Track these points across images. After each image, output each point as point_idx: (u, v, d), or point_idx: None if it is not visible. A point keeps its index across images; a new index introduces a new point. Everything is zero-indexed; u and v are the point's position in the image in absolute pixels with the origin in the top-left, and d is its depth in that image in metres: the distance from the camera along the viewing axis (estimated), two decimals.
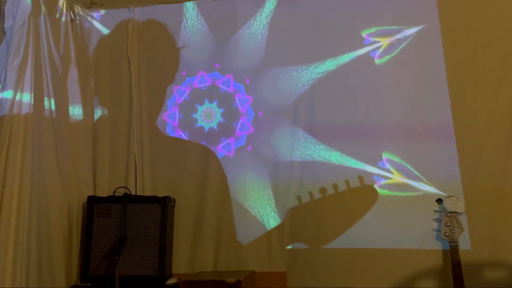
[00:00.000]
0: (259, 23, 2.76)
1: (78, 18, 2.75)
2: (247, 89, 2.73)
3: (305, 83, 2.65)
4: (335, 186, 2.48)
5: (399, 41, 2.59)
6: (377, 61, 2.60)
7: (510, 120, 2.39)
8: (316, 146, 2.58)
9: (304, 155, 2.58)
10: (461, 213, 2.25)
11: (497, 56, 2.46)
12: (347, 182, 2.46)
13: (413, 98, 2.53)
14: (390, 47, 2.59)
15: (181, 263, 2.55)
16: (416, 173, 2.45)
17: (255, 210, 2.58)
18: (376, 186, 2.46)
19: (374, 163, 2.50)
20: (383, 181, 2.47)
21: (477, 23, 2.51)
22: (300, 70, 2.67)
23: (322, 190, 2.49)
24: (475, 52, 2.48)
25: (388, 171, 2.49)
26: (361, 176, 2.46)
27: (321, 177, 2.52)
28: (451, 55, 2.51)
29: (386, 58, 2.59)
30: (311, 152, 2.58)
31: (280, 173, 2.59)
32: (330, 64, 2.64)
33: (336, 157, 2.55)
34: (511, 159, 2.35)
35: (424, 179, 2.43)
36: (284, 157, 2.61)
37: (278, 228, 2.53)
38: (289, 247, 2.51)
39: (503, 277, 2.24)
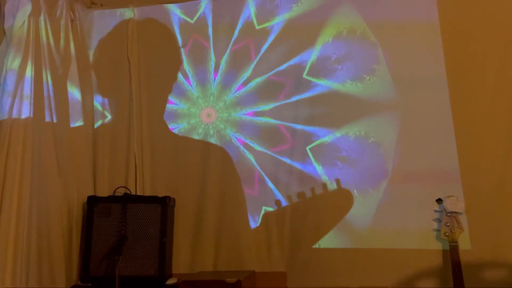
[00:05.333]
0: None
1: (78, 18, 2.74)
2: (247, 89, 2.73)
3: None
4: (324, 186, 2.50)
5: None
6: None
7: (510, 120, 2.39)
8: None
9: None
10: (461, 213, 2.25)
11: (497, 56, 2.45)
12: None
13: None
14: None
15: (181, 263, 2.55)
16: None
17: (255, 210, 2.58)
18: None
19: None
20: None
21: (477, 22, 2.51)
22: None
23: (317, 190, 2.49)
24: (475, 51, 2.48)
25: None
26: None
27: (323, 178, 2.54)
28: (451, 55, 2.50)
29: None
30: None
31: (279, 171, 2.59)
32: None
33: None
34: (511, 158, 2.35)
35: None
36: (284, 155, 2.61)
37: (278, 227, 2.53)
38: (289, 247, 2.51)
39: (503, 277, 2.24)
